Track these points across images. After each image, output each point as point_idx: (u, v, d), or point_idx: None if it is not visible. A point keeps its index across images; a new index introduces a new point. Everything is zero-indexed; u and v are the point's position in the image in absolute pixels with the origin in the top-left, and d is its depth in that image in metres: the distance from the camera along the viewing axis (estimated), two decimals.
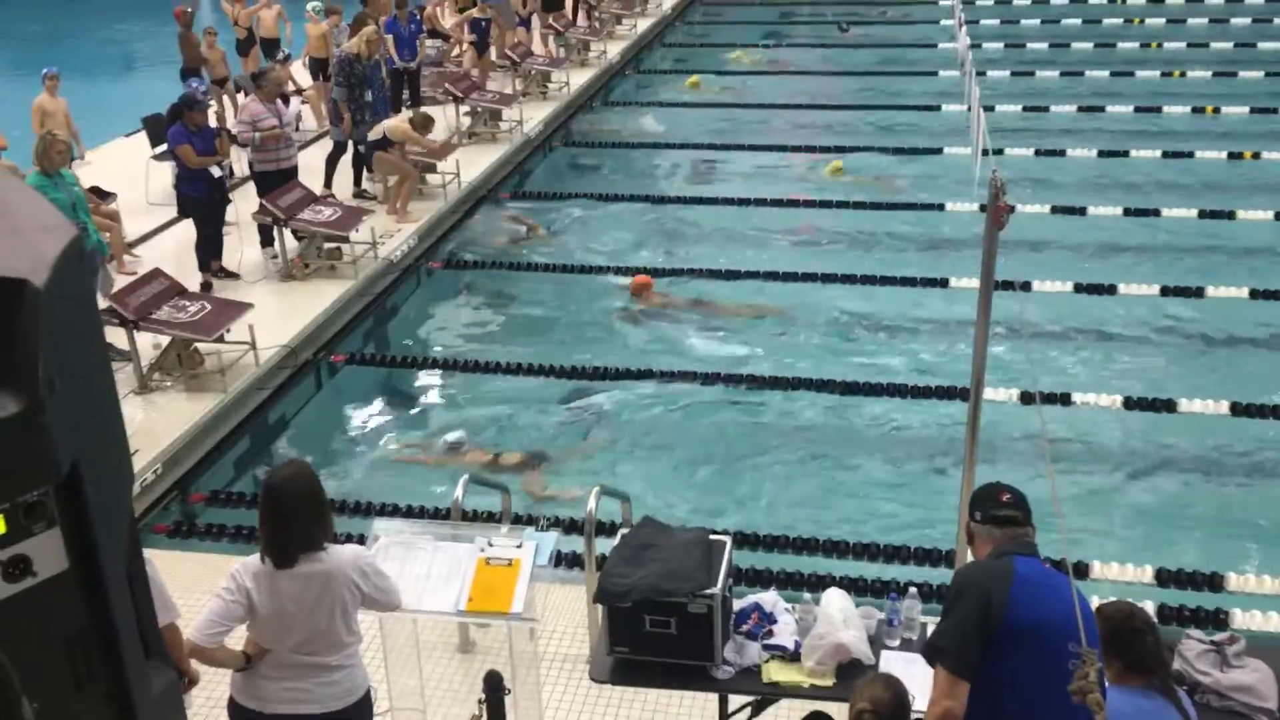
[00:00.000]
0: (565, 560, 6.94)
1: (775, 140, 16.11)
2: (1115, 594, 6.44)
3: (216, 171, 10.77)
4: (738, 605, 4.80)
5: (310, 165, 12.80)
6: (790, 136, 16.25)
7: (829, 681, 4.48)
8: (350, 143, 12.99)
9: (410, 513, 7.63)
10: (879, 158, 15.13)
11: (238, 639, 4.21)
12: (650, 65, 21.19)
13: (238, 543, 7.57)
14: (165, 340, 9.18)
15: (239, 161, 12.76)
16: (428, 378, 10.12)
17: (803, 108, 17.65)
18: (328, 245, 11.43)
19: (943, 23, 21.84)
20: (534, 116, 16.51)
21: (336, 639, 4.14)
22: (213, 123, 11.76)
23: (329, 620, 4.11)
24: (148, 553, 4.28)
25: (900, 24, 22.81)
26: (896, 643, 4.66)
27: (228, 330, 9.25)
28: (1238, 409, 8.61)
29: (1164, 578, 6.85)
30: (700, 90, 18.71)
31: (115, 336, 8.72)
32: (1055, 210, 12.67)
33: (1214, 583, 6.76)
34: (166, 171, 12.55)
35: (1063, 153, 14.74)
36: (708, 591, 4.48)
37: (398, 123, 12.89)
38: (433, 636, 5.98)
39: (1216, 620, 6.35)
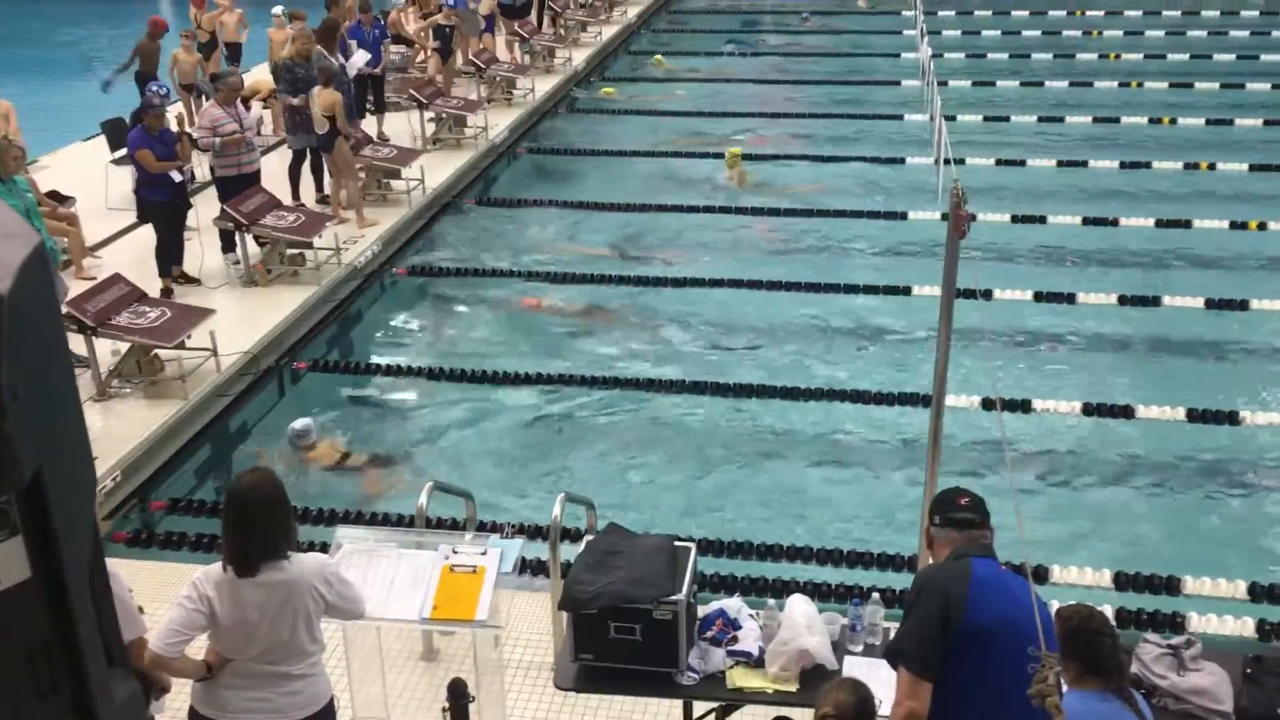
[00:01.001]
0: (530, 567, 6.93)
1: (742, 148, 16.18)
2: (1075, 598, 6.51)
3: (177, 176, 10.67)
4: (702, 612, 4.82)
5: (273, 171, 12.70)
6: (754, 145, 16.33)
7: (793, 687, 4.50)
8: (308, 150, 12.88)
9: (374, 520, 7.60)
10: (841, 166, 15.23)
11: (198, 648, 4.18)
12: (615, 72, 21.23)
13: (199, 551, 7.50)
14: (124, 346, 9.07)
15: (200, 166, 12.66)
16: (391, 385, 10.08)
17: (765, 116, 17.74)
18: (290, 251, 11.35)
19: (905, 33, 22.04)
20: (499, 123, 16.49)
21: (299, 648, 4.11)
22: (174, 127, 11.65)
23: (292, 629, 4.08)
24: (115, 566, 4.26)
25: (863, 33, 22.99)
26: (860, 648, 4.70)
27: (188, 336, 9.16)
28: (1194, 415, 8.75)
29: (1122, 582, 6.94)
30: (667, 68, 18.63)
31: (74, 343, 8.62)
32: (1016, 219, 12.82)
33: (1171, 586, 6.85)
34: (126, 176, 12.42)
35: (1023, 162, 14.91)
36: (673, 598, 4.49)
37: (323, 97, 12.50)
38: (396, 644, 5.95)
39: (1174, 624, 6.44)
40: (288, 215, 11.36)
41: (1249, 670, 4.50)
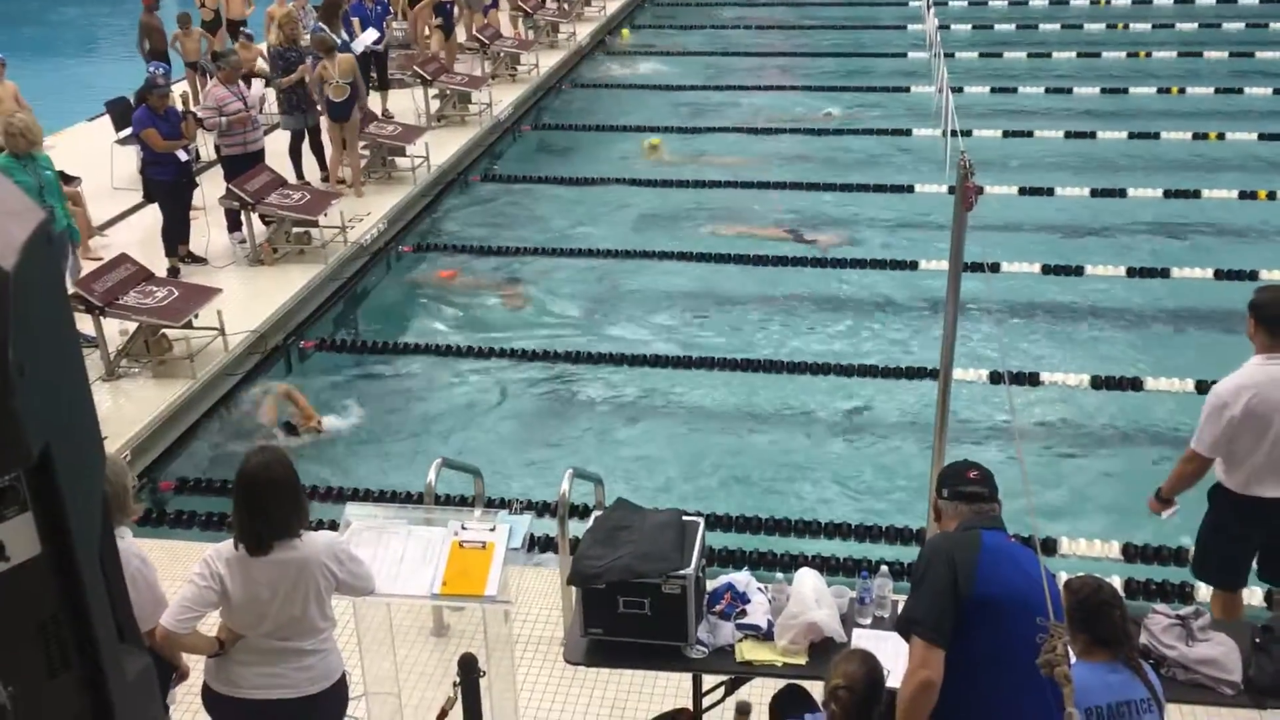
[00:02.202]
0: (539, 543, 6.95)
1: (745, 122, 16.13)
2: (1083, 569, 6.50)
3: (183, 155, 10.66)
4: (711, 586, 4.83)
5: (276, 150, 12.67)
6: (759, 118, 16.27)
7: (802, 660, 4.51)
8: (305, 130, 12.84)
9: (383, 497, 7.62)
10: (848, 139, 15.17)
11: (210, 625, 4.20)
12: (619, 47, 21.12)
13: (208, 530, 7.54)
14: (132, 326, 9.09)
15: (205, 145, 12.64)
16: (399, 362, 10.09)
17: (772, 89, 17.65)
18: (296, 230, 11.34)
19: (911, 4, 21.89)
20: (503, 99, 16.43)
21: (311, 624, 4.14)
22: (179, 106, 11.63)
23: (303, 606, 4.10)
24: (146, 549, 4.27)
25: (869, 5, 22.83)
26: (868, 620, 4.71)
27: (196, 316, 9.18)
28: (1203, 387, 8.70)
29: (1130, 553, 6.95)
30: (628, 42, 18.11)
31: (81, 323, 8.63)
32: (1023, 191, 12.76)
33: (1179, 557, 6.85)
34: (131, 156, 12.42)
35: (1030, 134, 14.83)
36: (681, 572, 4.50)
37: (342, 63, 12.40)
38: (407, 620, 5.98)
39: (1182, 594, 6.44)
40: (293, 194, 11.35)
41: (1257, 640, 4.49)
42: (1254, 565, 5.62)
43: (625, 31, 18.84)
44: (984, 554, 3.59)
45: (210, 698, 4.21)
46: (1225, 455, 5.30)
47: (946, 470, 4.07)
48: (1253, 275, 10.39)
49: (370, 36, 14.35)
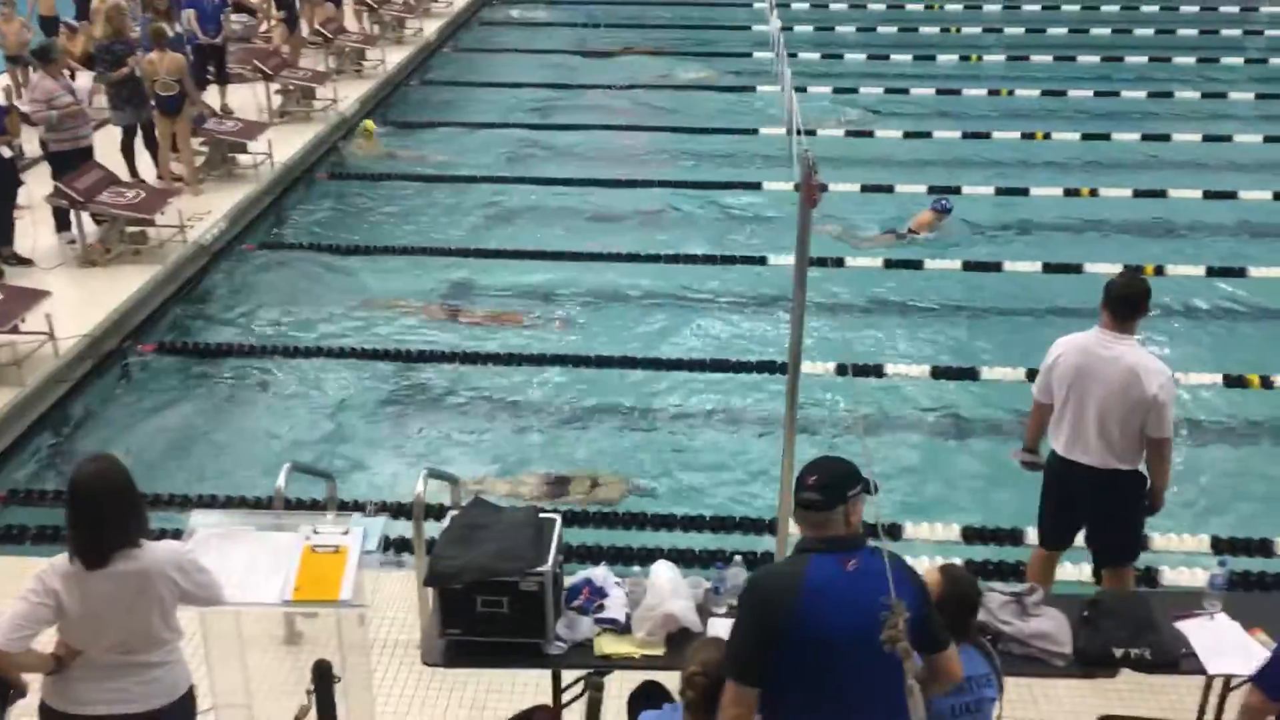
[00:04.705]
0: (395, 546, 6.86)
1: (595, 119, 16.19)
2: (925, 552, 6.80)
3: (6, 152, 10.17)
4: (569, 581, 4.85)
5: (106, 146, 12.13)
6: (610, 116, 16.35)
7: (659, 651, 4.58)
8: (139, 125, 12.35)
9: (230, 503, 7.40)
10: (696, 137, 15.38)
11: (47, 641, 4.02)
12: (467, 44, 20.95)
13: (42, 544, 7.18)
14: None
15: (30, 141, 12.04)
16: (244, 365, 9.79)
17: (620, 88, 17.76)
18: (131, 229, 10.90)
19: (755, 5, 22.31)
20: (349, 95, 16.10)
21: (155, 637, 4.00)
22: (0, 101, 11.04)
23: (146, 619, 3.97)
24: None
25: (713, 6, 23.16)
26: (723, 609, 4.79)
27: (22, 320, 8.75)
28: (1034, 375, 9.12)
29: (970, 535, 7.25)
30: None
31: None
32: (865, 189, 13.15)
33: (1015, 538, 7.19)
34: None
35: (871, 133, 15.30)
36: (539, 569, 4.51)
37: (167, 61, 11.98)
38: (257, 629, 5.82)
39: (1017, 573, 6.75)
40: (126, 192, 10.91)
41: (1085, 613, 4.76)
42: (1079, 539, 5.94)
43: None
44: (804, 594, 3.39)
45: (49, 716, 4.02)
46: (1054, 418, 5.69)
47: (801, 471, 3.82)
48: (1077, 268, 10.96)
49: None
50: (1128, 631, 4.65)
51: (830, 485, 3.52)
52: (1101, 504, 5.69)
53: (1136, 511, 5.73)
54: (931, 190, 13.20)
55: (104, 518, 3.90)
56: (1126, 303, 5.47)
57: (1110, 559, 5.82)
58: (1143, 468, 5.58)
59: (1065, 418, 5.62)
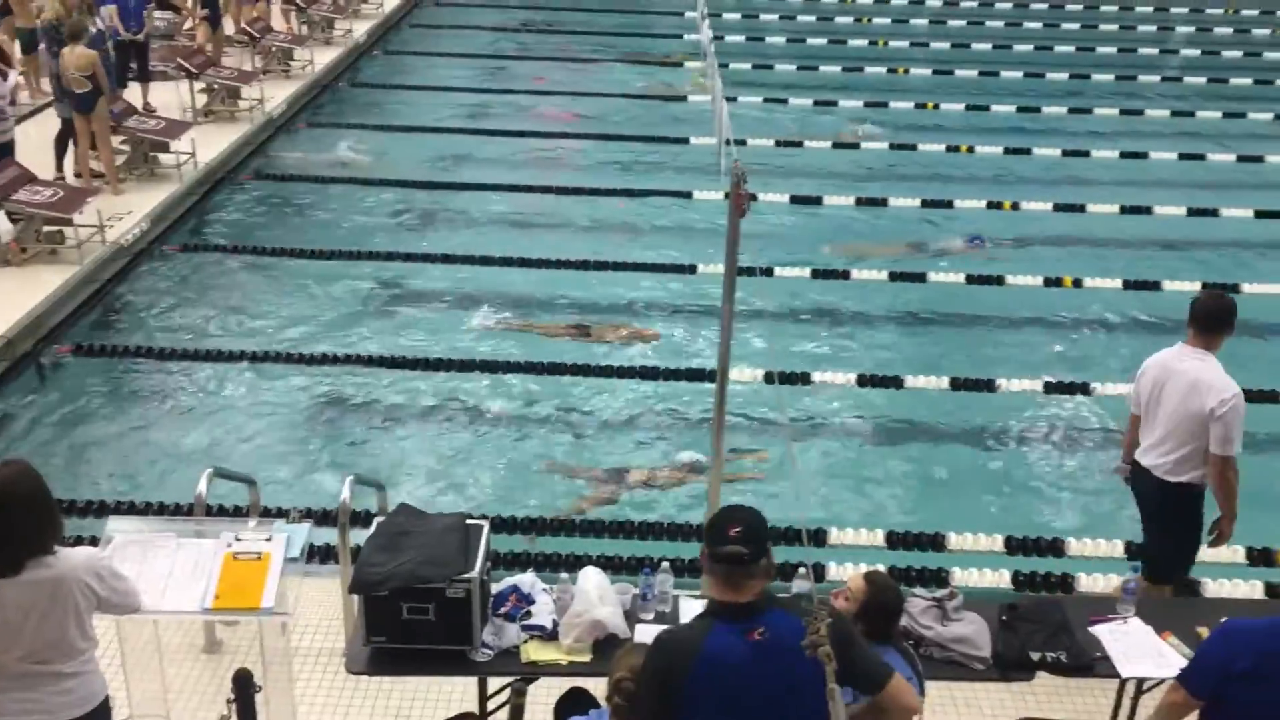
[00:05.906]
0: (319, 553, 6.77)
1: (525, 125, 16.16)
2: (850, 559, 6.89)
3: None
4: (496, 588, 4.84)
5: (32, 139, 11.86)
6: (540, 123, 16.32)
7: (587, 657, 4.59)
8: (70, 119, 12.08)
9: (149, 510, 7.25)
10: (626, 146, 15.41)
11: None
12: (398, 46, 20.77)
13: None
14: None
15: None
16: (164, 368, 9.60)
17: (552, 94, 17.73)
18: (48, 228, 10.64)
19: (687, 15, 22.42)
20: (276, 95, 15.88)
21: (70, 646, 3.91)
22: None
23: (60, 627, 3.87)
24: None
25: (644, 13, 23.23)
26: (651, 616, 4.82)
27: None
28: (956, 384, 9.32)
29: (893, 540, 7.35)
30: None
31: None
32: (794, 200, 13.27)
33: (936, 543, 7.30)
34: None
35: (800, 144, 15.45)
36: (465, 576, 4.49)
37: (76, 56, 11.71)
38: (176, 637, 5.72)
39: (938, 578, 6.87)
40: (43, 190, 10.66)
41: (1004, 617, 4.87)
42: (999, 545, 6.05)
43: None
44: (699, 668, 3.24)
45: None
46: (1141, 428, 5.84)
47: (712, 520, 3.51)
48: (999, 280, 11.17)
49: None
50: (1044, 635, 4.76)
51: (753, 536, 3.30)
52: (1151, 513, 5.87)
53: (1184, 529, 5.79)
54: (859, 202, 13.37)
55: (16, 524, 3.80)
56: (1209, 318, 5.62)
57: (1147, 570, 5.72)
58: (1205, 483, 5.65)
59: (1145, 426, 5.80)
